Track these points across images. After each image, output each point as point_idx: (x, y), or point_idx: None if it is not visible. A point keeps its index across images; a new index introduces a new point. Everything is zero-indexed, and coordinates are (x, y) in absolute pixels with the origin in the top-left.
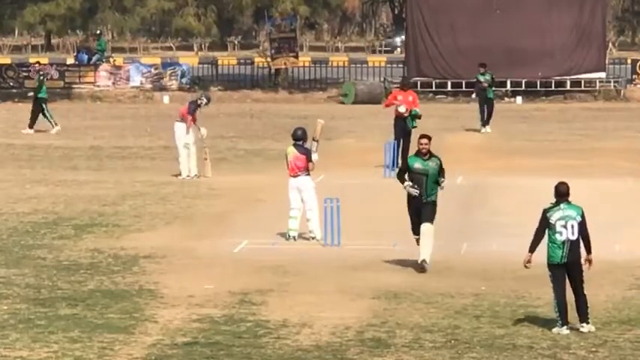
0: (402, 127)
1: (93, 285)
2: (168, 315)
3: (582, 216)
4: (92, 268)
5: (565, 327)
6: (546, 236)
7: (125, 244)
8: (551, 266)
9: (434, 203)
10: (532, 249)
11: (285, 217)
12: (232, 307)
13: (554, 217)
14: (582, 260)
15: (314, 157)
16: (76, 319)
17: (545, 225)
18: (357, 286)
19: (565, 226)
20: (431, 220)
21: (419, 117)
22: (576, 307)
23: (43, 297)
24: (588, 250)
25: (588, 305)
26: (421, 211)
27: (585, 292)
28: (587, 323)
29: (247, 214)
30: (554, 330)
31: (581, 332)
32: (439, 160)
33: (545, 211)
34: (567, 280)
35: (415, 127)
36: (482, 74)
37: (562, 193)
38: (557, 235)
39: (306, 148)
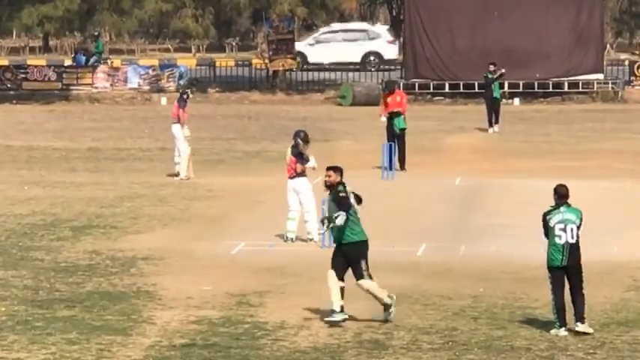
0: (391, 129)
1: (91, 287)
2: (166, 317)
3: (581, 220)
4: (90, 269)
5: (563, 329)
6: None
7: (123, 246)
8: (551, 269)
9: (359, 244)
10: None
11: (283, 218)
12: (230, 308)
13: (554, 220)
14: None
15: (310, 163)
16: (73, 321)
17: (547, 228)
18: (355, 287)
19: (564, 230)
20: (362, 274)
21: (398, 113)
22: (574, 306)
23: (41, 299)
24: None
25: (585, 305)
26: (345, 259)
27: (584, 292)
28: (583, 323)
29: (245, 215)
30: (553, 331)
31: (579, 333)
32: (335, 192)
33: (545, 215)
34: (566, 282)
35: (404, 128)
36: (492, 73)
37: (561, 195)
38: (557, 239)
39: (298, 150)
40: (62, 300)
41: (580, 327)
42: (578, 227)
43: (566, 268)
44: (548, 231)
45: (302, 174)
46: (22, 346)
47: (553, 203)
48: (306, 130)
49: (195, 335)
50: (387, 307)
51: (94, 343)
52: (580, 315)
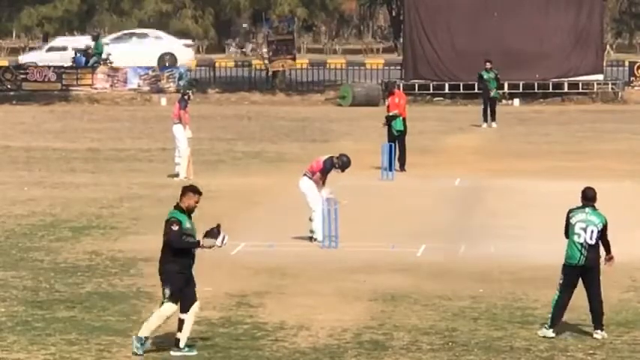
0: (390, 131)
1: (90, 287)
2: None
3: (605, 225)
4: (90, 270)
5: (551, 330)
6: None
7: (123, 247)
8: (567, 268)
9: None
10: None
11: (283, 219)
12: (230, 309)
13: (575, 218)
14: (602, 260)
15: (325, 192)
16: (73, 322)
17: (568, 226)
18: (355, 288)
19: (584, 229)
20: (162, 300)
21: (394, 116)
22: (591, 311)
23: (40, 299)
24: (608, 251)
25: (603, 312)
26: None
27: (601, 298)
28: (602, 330)
29: (245, 216)
30: (540, 332)
31: (581, 335)
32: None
33: (569, 212)
34: (583, 285)
35: (400, 130)
36: (487, 71)
37: (588, 197)
38: (575, 237)
39: (332, 165)
40: (62, 301)
41: (600, 334)
42: (601, 232)
43: (583, 271)
44: (568, 228)
45: (311, 175)
46: (21, 346)
47: (552, 203)
48: (306, 131)
49: (194, 336)
50: (146, 339)
51: (93, 344)
52: (599, 322)
